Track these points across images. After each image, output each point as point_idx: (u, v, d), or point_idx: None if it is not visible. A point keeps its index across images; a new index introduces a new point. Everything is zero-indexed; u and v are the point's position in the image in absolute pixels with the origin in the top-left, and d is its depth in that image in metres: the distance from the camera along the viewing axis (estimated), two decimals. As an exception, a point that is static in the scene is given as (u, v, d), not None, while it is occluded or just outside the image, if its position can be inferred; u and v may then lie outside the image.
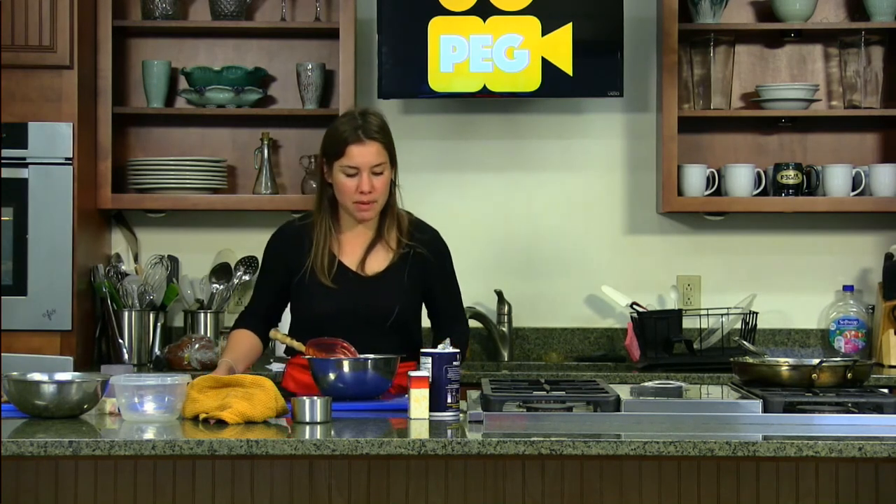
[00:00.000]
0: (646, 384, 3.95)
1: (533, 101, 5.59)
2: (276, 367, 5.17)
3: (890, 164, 5.42)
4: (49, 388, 3.56)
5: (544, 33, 5.36)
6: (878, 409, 3.55)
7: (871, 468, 3.56)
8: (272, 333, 4.12)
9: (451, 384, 3.63)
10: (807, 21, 5.43)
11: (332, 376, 3.83)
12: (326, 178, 4.18)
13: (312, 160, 5.52)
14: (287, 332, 4.20)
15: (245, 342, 4.23)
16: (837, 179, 5.37)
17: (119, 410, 3.59)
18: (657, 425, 3.46)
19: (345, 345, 4.00)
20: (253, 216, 5.61)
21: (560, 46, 5.36)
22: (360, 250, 4.21)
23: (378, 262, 4.21)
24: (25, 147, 5.10)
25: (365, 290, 4.17)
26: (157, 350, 5.34)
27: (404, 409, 3.67)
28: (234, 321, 4.37)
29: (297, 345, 4.06)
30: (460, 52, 5.38)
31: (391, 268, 4.20)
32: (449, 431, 3.44)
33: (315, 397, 3.54)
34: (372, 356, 3.88)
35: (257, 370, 5.12)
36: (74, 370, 3.95)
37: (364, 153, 4.13)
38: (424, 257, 4.25)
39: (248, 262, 5.51)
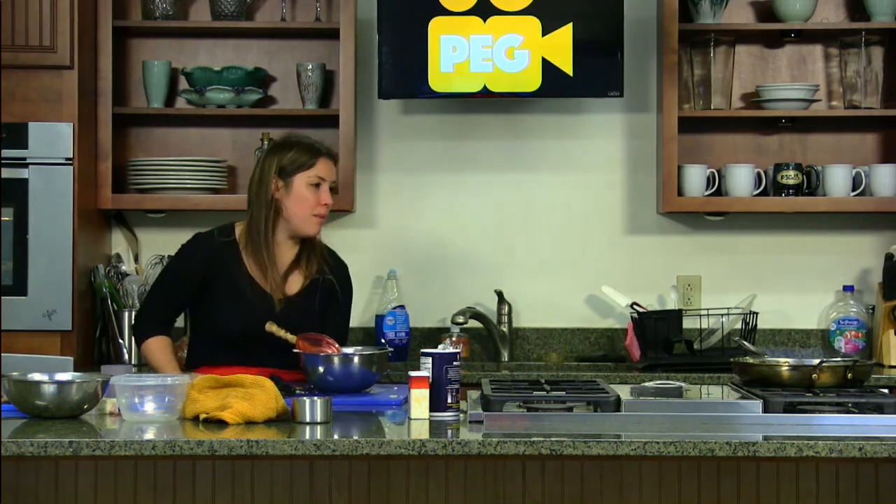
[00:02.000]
0: (646, 384, 3.95)
1: (533, 102, 5.59)
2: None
3: (890, 164, 5.42)
4: (49, 389, 3.56)
5: (544, 33, 5.36)
6: (879, 409, 3.55)
7: (872, 468, 3.56)
8: (268, 327, 4.14)
9: (451, 384, 3.63)
10: (807, 21, 5.43)
11: (321, 370, 3.95)
12: (276, 195, 4.28)
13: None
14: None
15: (169, 350, 4.32)
16: (838, 179, 5.37)
17: (119, 410, 3.59)
18: (657, 425, 3.46)
19: (329, 340, 4.08)
20: (253, 216, 5.60)
21: (560, 46, 5.36)
22: (281, 272, 4.33)
23: (294, 284, 4.33)
24: (26, 147, 5.10)
25: (286, 311, 4.27)
26: (157, 350, 5.34)
27: (393, 405, 3.74)
28: (136, 328, 4.39)
29: (290, 338, 4.10)
30: (460, 53, 5.38)
31: (304, 291, 4.33)
32: (449, 432, 3.44)
33: (315, 398, 3.54)
34: (361, 350, 4.05)
35: (257, 370, 5.13)
36: (74, 370, 3.96)
37: (329, 167, 4.34)
38: (332, 286, 4.38)
39: (248, 262, 5.51)
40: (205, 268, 4.32)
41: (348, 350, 4.09)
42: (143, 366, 5.30)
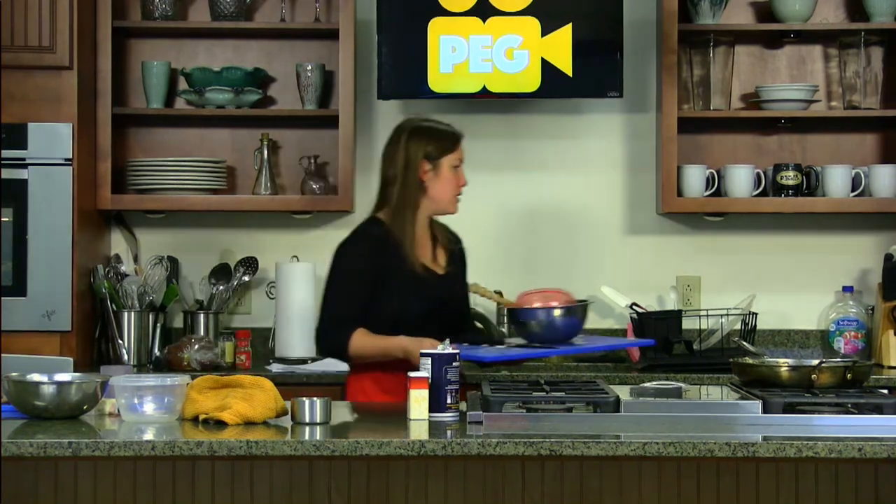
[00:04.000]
0: (645, 385, 3.95)
1: (532, 102, 5.59)
2: (276, 367, 5.17)
3: (889, 164, 5.42)
4: (49, 389, 3.57)
5: (544, 34, 5.36)
6: (878, 409, 3.56)
7: (871, 469, 3.57)
8: (474, 288, 4.54)
9: (450, 385, 3.63)
10: (806, 21, 5.44)
11: (542, 320, 4.23)
12: (425, 179, 4.38)
13: (312, 161, 5.52)
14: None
15: (370, 333, 4.31)
16: (837, 180, 5.37)
17: (119, 411, 3.60)
18: (657, 426, 3.47)
19: (550, 291, 4.37)
20: (252, 217, 5.61)
21: (560, 47, 5.36)
22: (429, 251, 4.45)
23: (441, 259, 4.49)
24: (25, 148, 5.10)
25: (445, 286, 4.44)
26: (156, 351, 5.34)
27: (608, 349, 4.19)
28: (330, 336, 4.34)
29: (505, 301, 4.56)
30: (460, 53, 5.38)
31: (449, 264, 4.51)
32: (448, 432, 3.44)
33: (315, 398, 3.54)
34: (575, 301, 4.32)
35: (257, 371, 5.13)
36: (74, 371, 3.95)
37: (462, 150, 4.50)
38: (462, 254, 4.59)
39: (247, 262, 5.51)
40: (376, 259, 4.36)
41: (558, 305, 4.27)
42: (143, 366, 5.31)
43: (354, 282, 4.36)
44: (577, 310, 4.28)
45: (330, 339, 4.34)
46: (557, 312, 4.25)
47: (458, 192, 4.45)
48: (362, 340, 4.29)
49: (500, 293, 4.93)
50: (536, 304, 4.27)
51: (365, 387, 4.34)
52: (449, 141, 4.42)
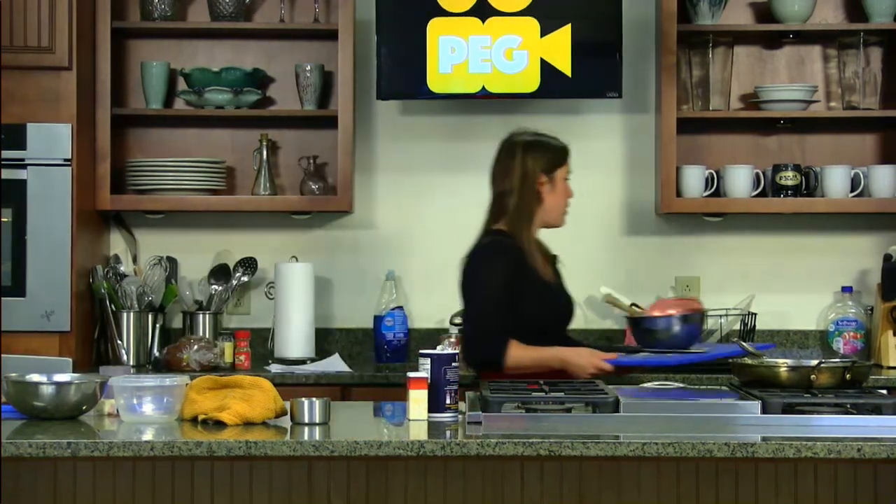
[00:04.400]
0: (644, 385, 3.95)
1: (532, 103, 5.59)
2: (275, 368, 5.17)
3: (889, 164, 5.42)
4: (48, 390, 3.57)
5: (543, 34, 5.36)
6: (877, 410, 3.56)
7: (870, 469, 3.57)
8: (608, 297, 4.79)
9: (449, 385, 3.63)
10: (805, 22, 5.43)
11: (676, 329, 4.45)
12: (542, 191, 4.49)
13: (311, 161, 5.52)
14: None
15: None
16: (836, 180, 5.37)
17: (118, 411, 3.60)
18: (656, 426, 3.47)
19: (686, 300, 4.74)
20: (252, 217, 5.61)
21: (559, 47, 5.36)
22: (540, 261, 4.53)
23: (549, 271, 4.58)
24: (24, 148, 5.10)
25: (560, 296, 4.60)
26: (155, 351, 5.34)
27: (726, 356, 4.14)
28: (491, 345, 4.34)
29: (625, 304, 4.66)
30: (459, 53, 5.38)
31: (556, 276, 4.62)
32: (448, 432, 3.44)
33: (314, 399, 3.54)
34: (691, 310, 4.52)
35: (256, 371, 5.13)
36: (73, 371, 3.95)
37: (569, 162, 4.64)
38: (558, 267, 4.69)
39: (246, 263, 5.51)
40: (514, 269, 4.43)
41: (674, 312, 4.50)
42: (142, 367, 5.31)
43: (499, 292, 4.40)
44: (694, 318, 4.48)
45: (486, 350, 4.36)
46: (680, 320, 4.45)
47: (568, 204, 4.59)
48: (520, 352, 4.34)
49: (636, 305, 4.97)
50: (655, 313, 4.51)
51: None
52: (561, 154, 4.55)
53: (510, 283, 4.40)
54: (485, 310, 4.38)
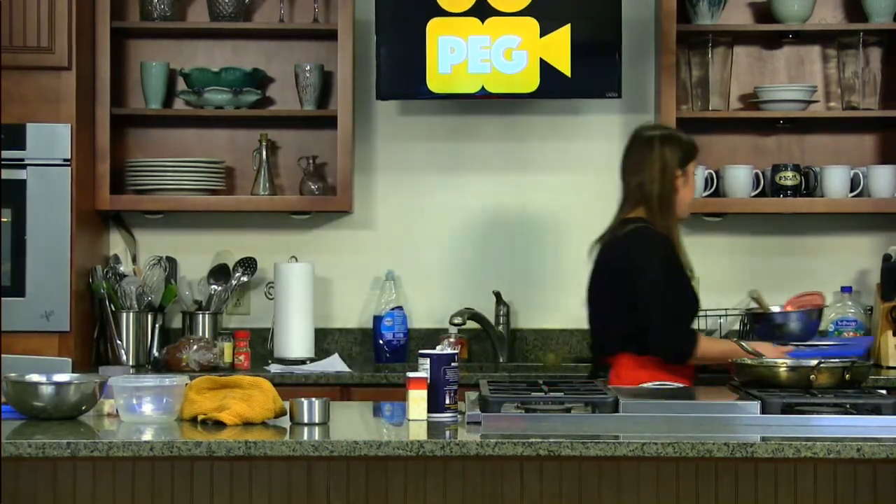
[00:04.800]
0: (644, 385, 3.95)
1: (531, 103, 5.59)
2: (275, 368, 5.17)
3: (888, 165, 5.42)
4: (47, 390, 3.57)
5: (542, 34, 5.36)
6: (877, 410, 3.56)
7: (870, 469, 3.57)
8: (755, 293, 5.08)
9: (449, 385, 3.63)
10: (805, 22, 5.43)
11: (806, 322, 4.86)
12: (680, 184, 4.57)
13: (311, 161, 5.52)
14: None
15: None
16: (836, 180, 5.37)
17: (117, 411, 3.60)
18: (655, 426, 3.47)
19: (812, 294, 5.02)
20: (251, 217, 5.61)
21: (558, 47, 5.36)
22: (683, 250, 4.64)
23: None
24: (24, 148, 5.10)
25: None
26: (155, 351, 5.34)
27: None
28: (682, 335, 4.47)
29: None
30: (458, 54, 5.38)
31: None
32: (447, 432, 3.44)
33: (313, 399, 3.54)
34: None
35: (256, 371, 5.13)
36: (72, 371, 3.95)
37: None
38: None
39: (246, 263, 5.51)
40: (676, 258, 4.56)
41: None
42: (142, 367, 5.31)
43: (672, 281, 4.51)
44: (813, 313, 4.90)
45: (680, 341, 4.45)
46: (805, 315, 4.87)
47: (693, 198, 4.69)
48: (708, 344, 4.47)
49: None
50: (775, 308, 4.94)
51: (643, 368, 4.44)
52: (693, 149, 4.64)
53: (676, 271, 4.53)
54: (665, 299, 4.46)
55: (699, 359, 4.42)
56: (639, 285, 4.45)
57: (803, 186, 5.43)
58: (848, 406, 3.58)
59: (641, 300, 4.44)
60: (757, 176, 5.43)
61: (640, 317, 4.44)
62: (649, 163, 4.57)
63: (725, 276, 5.60)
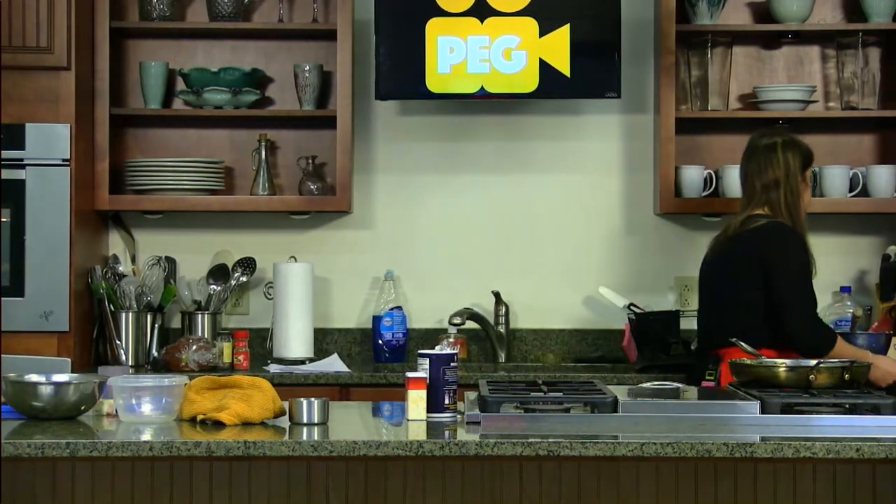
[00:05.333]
0: (643, 385, 3.95)
1: (530, 103, 5.59)
2: (274, 368, 5.17)
3: (888, 165, 5.42)
4: (46, 390, 3.57)
5: (542, 34, 5.36)
6: (876, 410, 3.56)
7: (869, 469, 3.57)
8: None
9: (448, 385, 3.63)
10: (804, 22, 5.44)
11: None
12: (802, 188, 4.72)
13: (310, 161, 5.51)
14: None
15: None
16: (835, 180, 5.37)
17: (116, 412, 3.60)
18: (654, 426, 3.47)
19: None
20: (250, 217, 5.61)
21: (557, 47, 5.36)
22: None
23: None
24: (23, 148, 5.10)
25: None
26: (154, 351, 5.34)
27: None
28: (826, 331, 4.65)
29: None
30: (458, 54, 5.38)
31: None
32: (446, 433, 3.44)
33: (313, 399, 3.54)
34: None
35: (255, 372, 5.13)
36: (72, 371, 3.95)
37: None
38: None
39: (245, 263, 5.51)
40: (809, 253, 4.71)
41: None
42: (141, 367, 5.31)
43: (810, 275, 4.67)
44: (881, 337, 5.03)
45: (820, 336, 4.60)
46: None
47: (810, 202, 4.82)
48: (842, 347, 4.59)
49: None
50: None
51: None
52: (811, 155, 4.76)
53: (809, 265, 4.68)
54: (809, 292, 4.63)
55: (831, 356, 4.48)
56: (780, 278, 4.60)
57: (802, 186, 5.43)
58: (847, 406, 3.58)
59: (784, 292, 4.59)
60: (756, 176, 5.42)
61: (778, 309, 4.57)
62: (774, 164, 4.69)
63: (725, 276, 5.60)
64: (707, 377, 4.60)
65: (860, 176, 5.40)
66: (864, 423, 3.49)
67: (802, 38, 5.54)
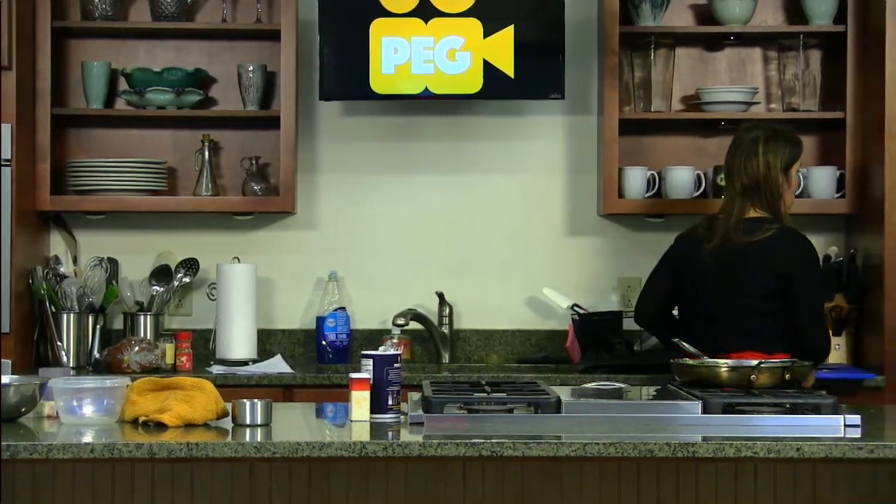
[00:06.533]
0: (586, 386, 3.97)
1: (474, 104, 5.59)
2: (217, 369, 5.15)
3: (828, 166, 5.46)
4: (-14, 392, 3.54)
5: (486, 35, 5.37)
6: (816, 409, 3.58)
7: (809, 468, 3.59)
8: None
9: (392, 386, 3.63)
10: (746, 24, 5.47)
11: None
12: (790, 184, 4.66)
13: (253, 162, 5.50)
14: None
15: None
16: (776, 182, 5.40)
17: (57, 413, 3.57)
18: (598, 427, 3.48)
19: None
20: (193, 218, 5.58)
21: (502, 48, 5.36)
22: None
23: None
24: (-37, 148, 5.06)
25: None
26: (96, 353, 5.31)
27: None
28: (829, 338, 4.73)
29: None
30: (402, 54, 5.38)
31: None
32: (390, 433, 3.44)
33: (256, 400, 3.53)
34: None
35: (198, 373, 5.11)
36: (12, 373, 3.92)
37: None
38: None
39: (188, 264, 5.49)
40: None
41: None
42: (82, 368, 5.27)
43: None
44: None
45: (826, 344, 4.66)
46: None
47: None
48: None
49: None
50: None
51: None
52: (799, 148, 4.69)
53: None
54: (823, 302, 4.75)
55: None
56: (805, 289, 4.58)
57: (744, 187, 5.46)
58: (788, 406, 3.61)
59: (805, 303, 4.57)
60: (699, 177, 5.46)
61: (797, 320, 4.56)
62: (754, 165, 4.64)
63: (667, 277, 5.62)
64: None
65: (801, 177, 5.43)
66: (805, 423, 3.52)
67: (744, 40, 5.58)
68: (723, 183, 5.40)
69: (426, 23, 5.37)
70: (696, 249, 4.69)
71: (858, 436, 3.44)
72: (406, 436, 3.40)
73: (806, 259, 4.62)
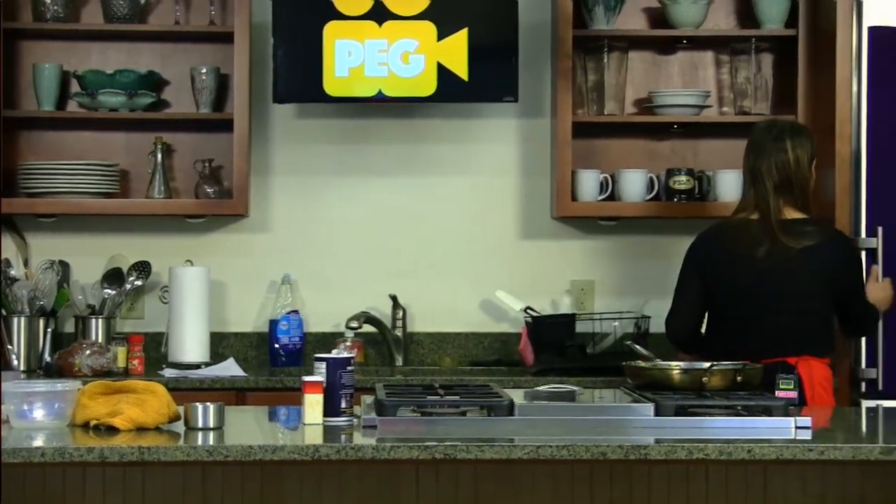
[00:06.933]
0: (539, 388, 3.98)
1: (428, 106, 5.60)
2: (169, 372, 5.13)
3: (780, 169, 5.49)
4: (-64, 396, 3.51)
5: (440, 38, 5.37)
6: (767, 411, 3.61)
7: (760, 470, 3.61)
8: None
9: (345, 389, 3.63)
10: (698, 28, 5.49)
11: None
12: (813, 177, 4.65)
13: (206, 165, 5.48)
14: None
15: None
16: (728, 185, 5.42)
17: (7, 418, 3.55)
18: (550, 429, 3.49)
19: None
20: (145, 221, 5.56)
21: (455, 51, 5.37)
22: None
23: None
24: (-88, 150, 5.03)
25: None
26: (47, 356, 5.27)
27: None
28: None
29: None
30: (356, 57, 5.37)
31: None
32: (343, 436, 3.44)
33: (208, 403, 3.52)
34: None
35: (150, 376, 5.09)
36: (-38, 377, 3.89)
37: None
38: None
39: (140, 267, 5.46)
40: None
41: None
42: (33, 372, 5.24)
43: None
44: None
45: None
46: None
47: None
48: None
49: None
50: None
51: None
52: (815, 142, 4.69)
53: None
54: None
55: None
56: (858, 290, 4.67)
57: (697, 190, 5.49)
58: (739, 408, 3.63)
59: (856, 305, 4.67)
60: (651, 180, 5.48)
61: (851, 307, 4.64)
62: (786, 163, 4.60)
63: (620, 280, 5.64)
64: (782, 387, 4.18)
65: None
66: (756, 425, 3.54)
67: (697, 43, 5.60)
68: (675, 186, 5.43)
69: (380, 25, 5.37)
70: (736, 254, 4.56)
71: (809, 438, 3.46)
72: (359, 439, 3.40)
73: (856, 257, 4.76)
